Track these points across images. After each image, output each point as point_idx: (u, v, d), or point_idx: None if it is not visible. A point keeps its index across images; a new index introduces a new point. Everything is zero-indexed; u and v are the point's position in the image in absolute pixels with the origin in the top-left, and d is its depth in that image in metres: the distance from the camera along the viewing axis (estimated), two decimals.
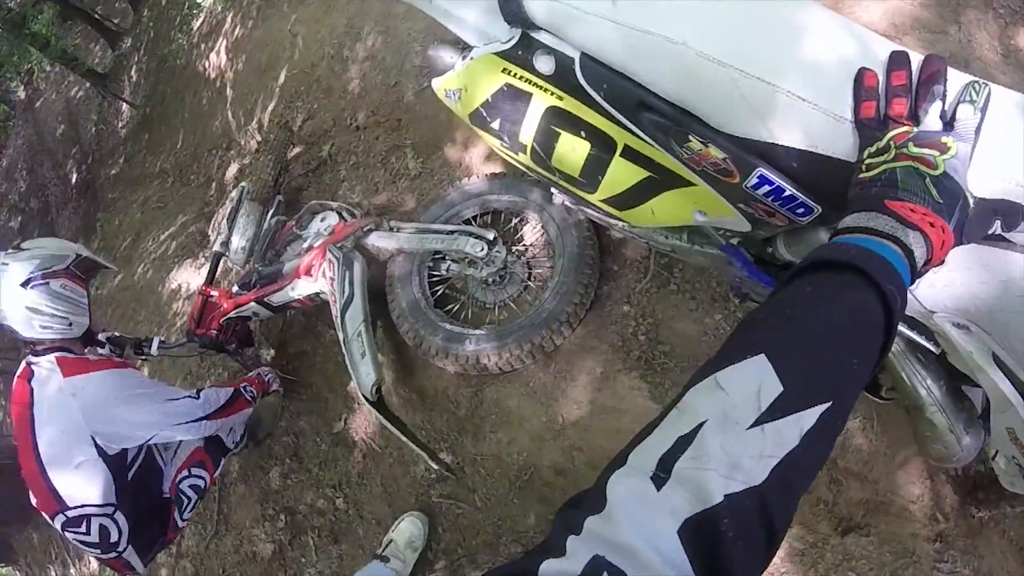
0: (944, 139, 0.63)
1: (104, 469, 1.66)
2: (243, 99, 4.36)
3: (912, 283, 0.59)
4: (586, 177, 1.18)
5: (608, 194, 1.20)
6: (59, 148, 7.52)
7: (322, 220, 2.34)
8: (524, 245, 2.10)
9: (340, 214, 2.30)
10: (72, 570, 3.95)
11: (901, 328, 0.96)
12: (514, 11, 0.96)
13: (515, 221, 2.13)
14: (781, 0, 0.82)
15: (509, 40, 1.03)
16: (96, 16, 6.81)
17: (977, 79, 0.68)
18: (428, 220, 2.14)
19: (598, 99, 0.96)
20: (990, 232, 0.67)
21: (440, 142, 2.62)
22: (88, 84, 6.79)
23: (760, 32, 0.80)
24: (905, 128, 0.66)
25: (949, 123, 0.65)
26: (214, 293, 2.33)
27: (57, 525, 1.66)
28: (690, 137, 0.87)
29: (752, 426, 0.45)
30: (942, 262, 0.62)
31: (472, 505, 1.95)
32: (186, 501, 1.95)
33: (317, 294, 2.14)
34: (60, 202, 7.22)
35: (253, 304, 2.24)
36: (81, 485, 1.64)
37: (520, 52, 1.03)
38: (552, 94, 1.08)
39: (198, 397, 1.92)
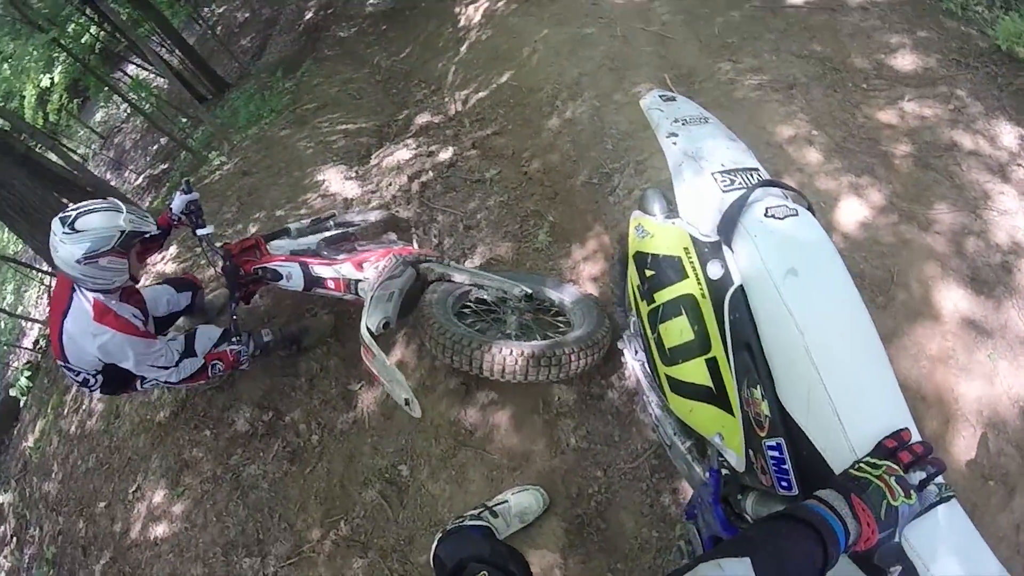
0: (912, 491, 0.96)
1: (98, 362, 2.34)
2: (468, 65, 4.69)
3: (842, 552, 0.90)
4: (672, 354, 1.44)
5: (674, 375, 1.45)
6: None
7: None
8: (552, 329, 2.47)
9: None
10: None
11: None
12: (726, 232, 1.26)
13: (561, 317, 2.52)
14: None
15: (707, 237, 1.31)
16: None
17: (951, 492, 0.99)
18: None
19: (725, 318, 1.23)
20: (890, 569, 0.95)
21: (575, 235, 2.90)
22: None
23: (858, 363, 1.06)
24: (898, 467, 0.98)
25: (919, 487, 0.97)
26: (265, 248, 2.67)
27: (58, 362, 2.38)
28: (756, 387, 1.15)
29: None
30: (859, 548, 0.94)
31: (394, 519, 2.31)
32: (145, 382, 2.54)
33: (355, 283, 2.45)
34: (286, 25, 8.00)
35: (296, 267, 2.54)
36: (81, 362, 2.34)
37: (706, 250, 1.31)
38: (700, 288, 1.34)
39: (177, 365, 2.48)
